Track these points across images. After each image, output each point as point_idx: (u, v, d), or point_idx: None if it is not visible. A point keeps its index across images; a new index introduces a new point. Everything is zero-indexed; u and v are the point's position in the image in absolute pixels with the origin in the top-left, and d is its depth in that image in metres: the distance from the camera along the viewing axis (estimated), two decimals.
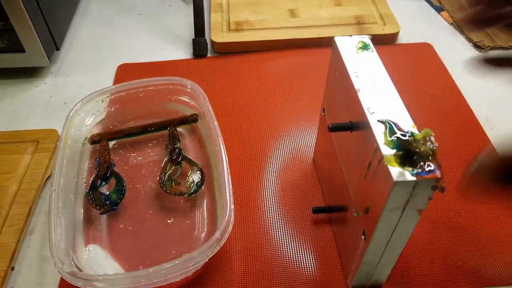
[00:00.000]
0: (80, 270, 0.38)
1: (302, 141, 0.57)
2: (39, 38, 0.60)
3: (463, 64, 0.68)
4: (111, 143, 0.55)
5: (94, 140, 0.54)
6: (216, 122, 0.49)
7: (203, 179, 0.50)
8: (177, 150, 0.52)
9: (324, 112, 0.46)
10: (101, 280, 0.38)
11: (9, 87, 0.65)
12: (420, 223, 0.48)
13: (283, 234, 0.47)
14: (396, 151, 0.29)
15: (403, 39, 0.72)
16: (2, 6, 0.56)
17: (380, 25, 0.72)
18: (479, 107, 0.61)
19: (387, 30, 0.71)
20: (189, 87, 0.55)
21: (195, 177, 0.50)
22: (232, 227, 0.41)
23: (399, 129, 0.31)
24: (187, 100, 0.56)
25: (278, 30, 0.71)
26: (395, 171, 0.28)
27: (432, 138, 0.30)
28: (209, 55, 0.70)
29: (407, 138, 0.30)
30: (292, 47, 0.70)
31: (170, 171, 0.50)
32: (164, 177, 0.50)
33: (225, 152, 0.46)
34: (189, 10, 0.74)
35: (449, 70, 0.66)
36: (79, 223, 0.48)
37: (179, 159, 0.51)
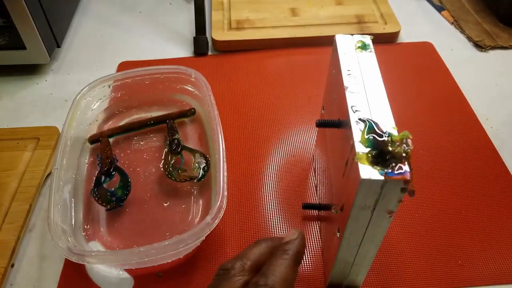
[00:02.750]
0: (75, 246, 0.40)
1: (303, 138, 0.57)
2: (40, 35, 0.60)
3: (464, 63, 0.68)
4: None
5: (95, 139, 0.54)
6: (216, 112, 0.50)
7: (209, 162, 0.51)
8: (176, 141, 0.53)
9: (323, 109, 0.46)
10: (94, 256, 0.40)
11: (10, 84, 0.65)
12: (417, 225, 0.48)
13: (275, 226, 0.48)
14: (370, 150, 0.29)
15: (404, 38, 0.72)
16: (3, 4, 0.56)
17: (381, 24, 0.72)
18: (480, 106, 0.61)
19: (388, 29, 0.71)
20: (193, 76, 0.56)
21: (200, 162, 0.51)
22: (227, 215, 0.41)
23: (379, 129, 0.30)
24: (190, 89, 0.57)
25: (279, 28, 0.71)
26: (364, 169, 0.28)
27: (409, 141, 0.29)
28: (210, 53, 0.70)
29: (383, 138, 0.30)
30: (292, 46, 0.70)
31: (173, 161, 0.52)
32: (169, 167, 0.51)
33: (223, 141, 0.47)
34: (190, 8, 0.74)
35: (450, 69, 0.66)
36: (79, 201, 0.49)
37: (179, 149, 0.53)
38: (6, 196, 0.49)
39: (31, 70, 0.67)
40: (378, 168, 0.28)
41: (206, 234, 0.41)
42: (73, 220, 0.47)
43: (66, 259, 0.45)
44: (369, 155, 0.29)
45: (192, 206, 0.49)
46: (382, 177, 0.28)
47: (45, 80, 0.66)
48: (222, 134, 0.48)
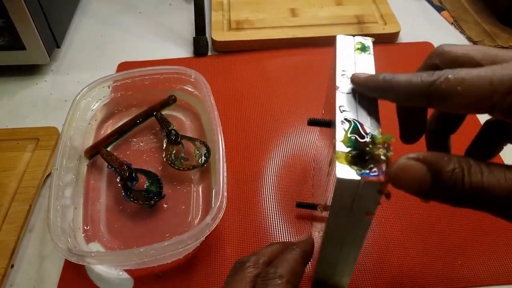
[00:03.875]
0: (75, 247, 0.40)
1: (303, 139, 0.57)
2: (39, 35, 0.60)
3: None
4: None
5: (92, 154, 0.53)
6: (216, 112, 0.50)
7: (209, 149, 0.51)
8: (173, 131, 0.53)
9: (324, 110, 0.46)
10: (94, 257, 0.40)
11: (9, 85, 0.65)
12: (416, 225, 0.48)
13: (275, 226, 0.48)
14: (350, 150, 0.29)
15: (403, 38, 0.72)
16: (3, 4, 0.56)
17: (381, 24, 0.72)
18: None
19: (388, 29, 0.71)
20: (193, 76, 0.56)
21: (201, 149, 0.52)
22: (227, 216, 0.41)
23: (363, 130, 0.30)
24: (190, 89, 0.57)
25: (279, 29, 0.71)
26: (342, 168, 0.28)
27: (389, 145, 0.29)
28: (209, 53, 0.70)
29: (365, 139, 0.30)
30: (292, 46, 0.70)
31: (174, 151, 0.52)
32: (171, 157, 0.51)
33: (223, 141, 0.47)
34: (190, 8, 0.74)
35: None
36: (79, 202, 0.49)
37: (179, 139, 0.53)
38: (5, 196, 0.49)
39: (30, 70, 0.67)
40: (356, 168, 0.28)
41: (206, 235, 0.41)
42: (73, 221, 0.46)
43: (66, 259, 0.45)
44: (349, 154, 0.29)
45: (192, 207, 0.49)
46: (358, 178, 0.27)
47: (44, 80, 0.66)
48: (222, 134, 0.48)
